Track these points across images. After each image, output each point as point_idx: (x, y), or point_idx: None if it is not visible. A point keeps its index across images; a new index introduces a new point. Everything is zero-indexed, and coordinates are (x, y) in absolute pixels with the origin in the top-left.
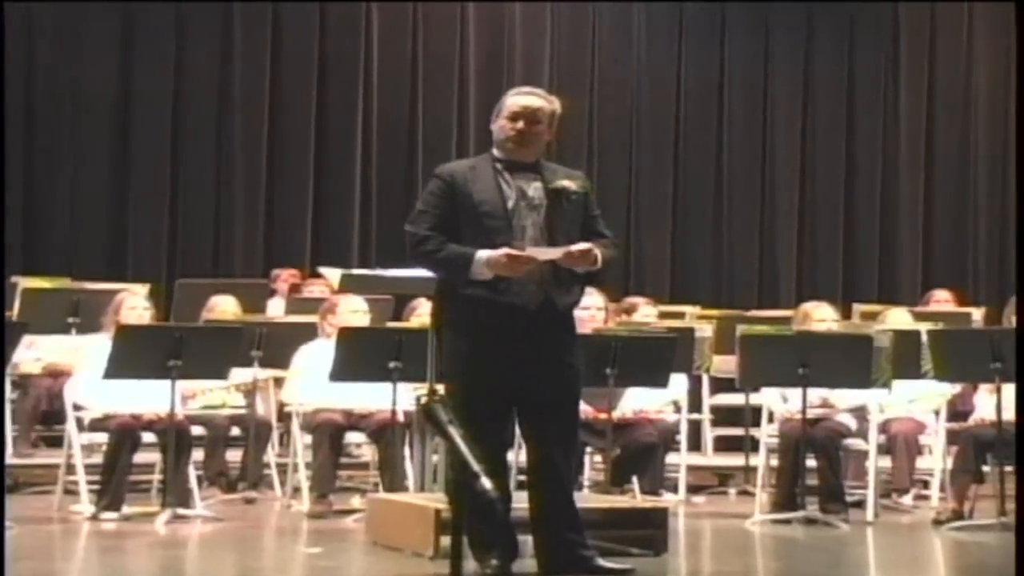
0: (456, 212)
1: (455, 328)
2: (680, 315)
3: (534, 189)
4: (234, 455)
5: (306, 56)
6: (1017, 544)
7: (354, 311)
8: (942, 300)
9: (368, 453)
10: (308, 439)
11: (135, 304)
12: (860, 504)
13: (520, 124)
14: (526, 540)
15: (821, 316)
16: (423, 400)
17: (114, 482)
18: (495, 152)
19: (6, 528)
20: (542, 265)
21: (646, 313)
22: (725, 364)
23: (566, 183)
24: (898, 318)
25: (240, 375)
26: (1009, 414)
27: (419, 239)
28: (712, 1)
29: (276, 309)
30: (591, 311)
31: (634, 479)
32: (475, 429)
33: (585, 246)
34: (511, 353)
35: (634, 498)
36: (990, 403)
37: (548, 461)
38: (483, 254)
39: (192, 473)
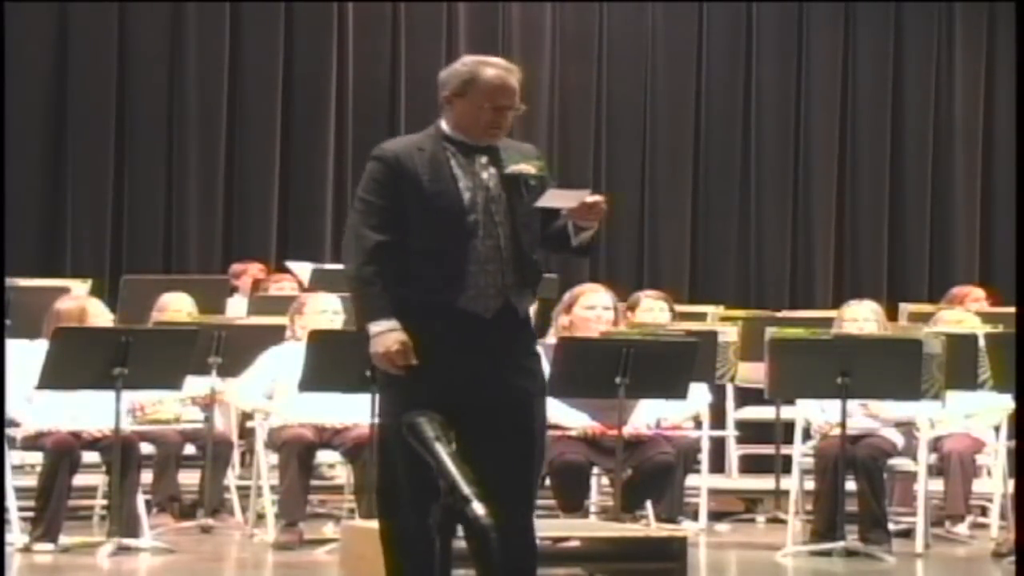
0: (404, 201)
1: None
2: (701, 316)
3: (489, 175)
4: (189, 477)
5: (271, 26)
6: (1017, 562)
7: (322, 311)
8: (980, 299)
9: (343, 474)
10: (274, 458)
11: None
12: (908, 533)
13: (505, 112)
14: None
15: (863, 316)
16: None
17: (50, 508)
18: (448, 131)
19: None
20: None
21: (648, 307)
22: (752, 372)
23: (523, 167)
24: (958, 320)
25: (196, 385)
26: None
27: (361, 246)
28: None
29: (237, 309)
30: (597, 310)
31: (648, 504)
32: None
33: (597, 197)
34: (459, 367)
35: (648, 526)
36: None
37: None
38: (382, 331)
39: (140, 498)
